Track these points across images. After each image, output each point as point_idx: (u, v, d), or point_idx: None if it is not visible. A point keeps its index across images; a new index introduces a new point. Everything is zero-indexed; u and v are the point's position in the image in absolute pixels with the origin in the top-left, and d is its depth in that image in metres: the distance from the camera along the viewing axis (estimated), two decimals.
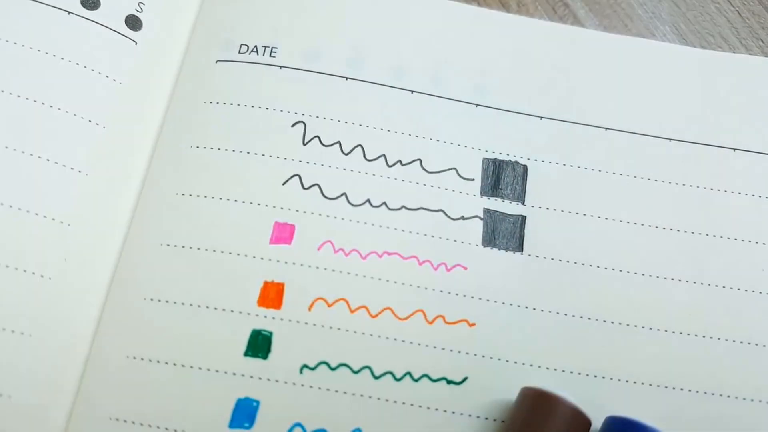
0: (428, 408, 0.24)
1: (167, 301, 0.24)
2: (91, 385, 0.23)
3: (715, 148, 0.29)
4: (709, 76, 0.30)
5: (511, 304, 0.26)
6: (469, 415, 0.24)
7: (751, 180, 0.28)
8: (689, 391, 0.25)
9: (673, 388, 0.25)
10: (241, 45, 0.29)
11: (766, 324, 0.26)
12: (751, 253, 0.27)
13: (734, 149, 0.29)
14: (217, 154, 0.27)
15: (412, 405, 0.24)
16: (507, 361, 0.25)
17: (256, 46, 0.28)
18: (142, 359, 0.23)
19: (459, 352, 0.25)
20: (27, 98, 0.26)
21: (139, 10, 0.28)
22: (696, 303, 0.26)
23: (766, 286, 0.27)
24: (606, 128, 0.29)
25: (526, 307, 0.26)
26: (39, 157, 0.25)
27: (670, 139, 0.29)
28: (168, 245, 0.25)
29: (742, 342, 0.26)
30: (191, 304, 0.24)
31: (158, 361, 0.24)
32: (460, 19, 0.30)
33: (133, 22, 0.28)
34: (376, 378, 0.24)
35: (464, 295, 0.26)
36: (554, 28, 0.30)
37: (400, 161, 0.27)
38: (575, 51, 0.30)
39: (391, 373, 0.24)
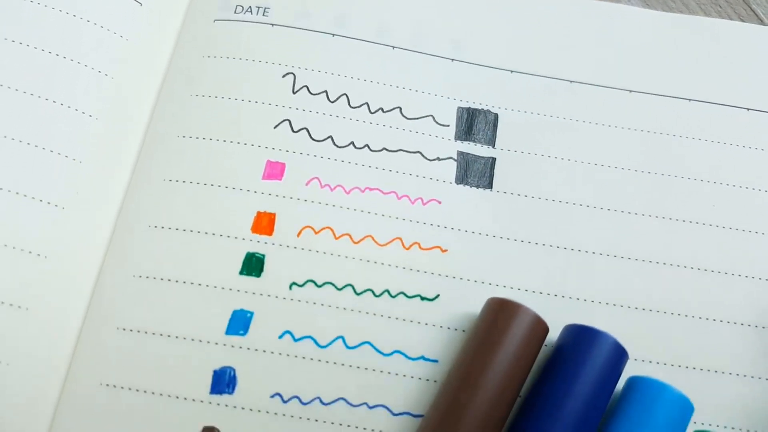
0: (404, 320, 0.27)
1: (170, 228, 0.27)
2: (101, 298, 0.26)
3: (672, 98, 0.32)
4: (668, 34, 0.33)
5: (480, 233, 0.28)
6: (441, 327, 0.27)
7: (704, 126, 0.31)
8: (642, 309, 0.27)
9: (629, 307, 0.28)
10: (237, 6, 0.32)
11: (713, 251, 0.29)
12: (701, 191, 0.30)
13: (689, 99, 0.32)
14: (214, 102, 0.30)
15: (389, 317, 0.26)
16: (475, 281, 0.27)
17: (250, 7, 0.31)
18: (149, 277, 0.26)
19: (432, 273, 0.27)
20: (24, 91, 0.28)
21: None
22: (650, 233, 0.29)
23: (715, 219, 0.29)
24: (571, 81, 0.32)
25: (494, 236, 0.28)
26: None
27: (630, 91, 0.32)
28: (170, 180, 0.28)
29: (692, 267, 0.28)
30: (191, 230, 0.27)
31: (162, 279, 0.26)
32: None
33: None
34: (358, 294, 0.27)
35: (438, 226, 0.28)
36: None
37: (381, 108, 0.30)
38: (544, 12, 0.33)
39: (371, 290, 0.27)
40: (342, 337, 0.26)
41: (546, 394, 0.24)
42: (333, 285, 0.27)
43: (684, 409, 0.24)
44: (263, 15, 0.31)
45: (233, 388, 0.25)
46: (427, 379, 0.25)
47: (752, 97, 0.32)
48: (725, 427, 0.26)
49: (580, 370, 0.24)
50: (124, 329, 0.25)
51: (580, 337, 0.25)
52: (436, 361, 0.26)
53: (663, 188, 0.30)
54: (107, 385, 0.24)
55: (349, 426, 0.25)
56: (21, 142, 0.27)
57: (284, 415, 0.25)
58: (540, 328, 0.25)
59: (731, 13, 0.34)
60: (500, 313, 0.25)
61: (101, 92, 0.29)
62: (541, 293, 0.27)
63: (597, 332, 0.24)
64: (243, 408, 0.24)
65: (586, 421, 0.24)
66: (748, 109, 0.32)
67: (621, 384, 0.25)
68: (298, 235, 0.27)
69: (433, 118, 0.30)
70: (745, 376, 0.27)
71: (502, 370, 0.24)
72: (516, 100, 0.31)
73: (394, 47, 0.31)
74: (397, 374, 0.26)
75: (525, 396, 0.25)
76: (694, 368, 0.27)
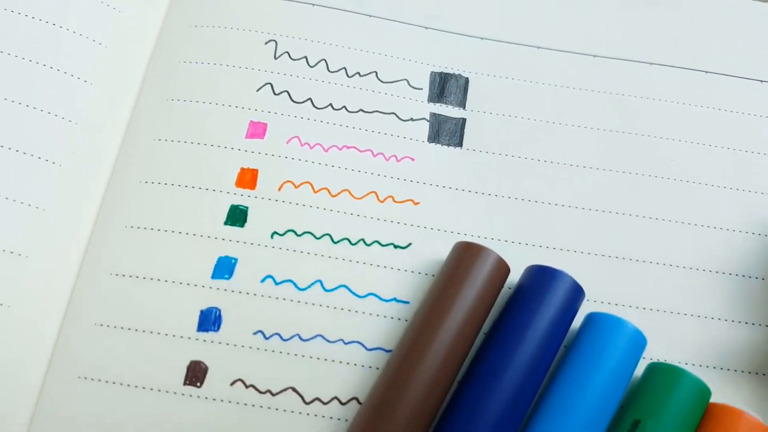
0: (378, 266, 0.29)
1: (159, 183, 0.29)
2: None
3: (633, 62, 0.34)
4: (631, 1, 0.35)
5: (450, 188, 0.30)
6: (412, 272, 0.29)
7: (663, 88, 0.33)
8: (601, 255, 0.30)
9: (588, 254, 0.30)
10: None
11: (669, 202, 0.31)
12: (660, 147, 0.32)
13: (650, 63, 0.34)
14: (201, 67, 0.32)
15: (364, 263, 0.29)
16: (445, 230, 0.29)
17: None
18: (141, 227, 0.28)
19: (405, 224, 0.30)
20: (5, 98, 0.29)
21: None
22: (610, 186, 0.31)
23: (672, 173, 0.31)
24: (538, 47, 0.34)
25: (463, 190, 0.30)
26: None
27: (594, 56, 0.34)
28: (161, 140, 0.30)
29: (649, 217, 0.30)
30: (180, 185, 0.29)
31: (153, 229, 0.28)
32: None
33: None
34: (335, 243, 0.29)
35: (411, 181, 0.30)
36: None
37: (358, 73, 0.32)
38: None
39: (347, 239, 0.29)
40: (320, 281, 0.28)
41: (506, 329, 0.26)
42: (312, 234, 0.29)
43: (637, 341, 0.26)
44: None
45: (218, 326, 0.27)
46: (399, 319, 0.28)
47: (709, 60, 0.34)
48: (678, 362, 0.28)
49: (539, 307, 0.26)
50: (117, 274, 0.27)
51: (540, 276, 0.27)
52: (407, 302, 0.28)
53: (623, 145, 0.32)
54: (101, 325, 0.26)
55: (326, 360, 0.27)
56: (2, 147, 0.28)
57: (266, 350, 0.27)
58: (502, 268, 0.27)
59: None
60: (465, 254, 0.27)
61: (81, 95, 0.30)
62: (506, 241, 0.29)
63: (555, 271, 0.26)
64: (227, 344, 0.26)
65: (544, 354, 0.26)
66: (706, 72, 0.34)
67: (579, 322, 0.27)
68: (279, 189, 0.29)
69: (408, 81, 0.32)
70: (697, 316, 0.29)
71: (465, 307, 0.26)
72: (486, 66, 0.33)
73: (370, 16, 0.33)
74: (371, 314, 0.28)
75: (487, 331, 0.27)
76: (649, 309, 0.29)
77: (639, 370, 0.26)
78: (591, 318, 0.26)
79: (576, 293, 0.26)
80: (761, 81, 0.33)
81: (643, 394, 0.25)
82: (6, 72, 0.29)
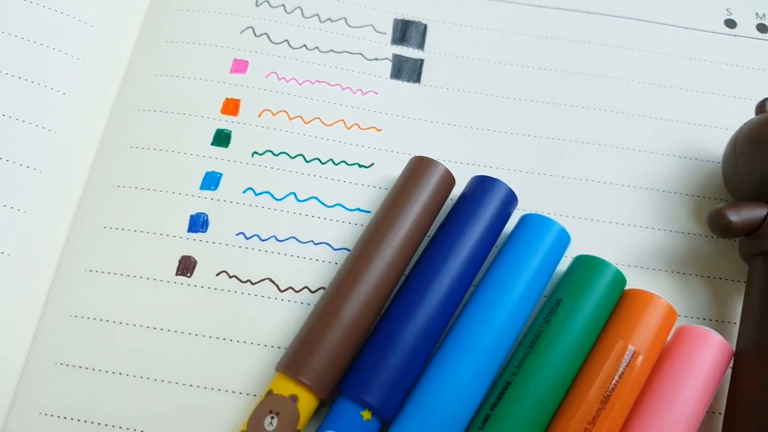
0: (344, 182, 0.33)
1: (155, 111, 0.34)
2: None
3: (573, 11, 0.38)
4: None
5: (408, 117, 0.35)
6: (374, 187, 0.33)
7: (598, 34, 0.38)
8: (542, 174, 0.34)
9: (528, 172, 0.34)
10: None
11: (602, 128, 0.35)
12: (594, 83, 0.36)
13: (588, 12, 0.38)
14: (190, 14, 0.36)
15: (332, 179, 0.33)
16: (403, 153, 0.34)
17: None
18: (139, 147, 0.33)
19: (369, 147, 0.34)
20: None
21: None
22: (548, 115, 0.35)
23: (605, 104, 0.36)
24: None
25: (420, 119, 0.35)
26: None
27: (540, 6, 0.38)
28: (155, 75, 0.34)
29: (583, 142, 0.35)
30: (174, 112, 0.33)
31: (149, 149, 0.33)
32: None
33: None
34: (307, 161, 0.33)
35: (374, 111, 0.35)
36: None
37: (329, 18, 0.37)
38: None
39: (318, 158, 0.33)
40: (294, 193, 0.32)
41: (446, 229, 0.30)
42: (287, 154, 0.33)
43: (562, 238, 0.30)
44: None
45: (206, 228, 0.31)
46: (361, 225, 0.32)
47: (640, 9, 0.38)
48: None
49: (476, 209, 0.30)
50: (120, 186, 0.32)
51: (479, 184, 0.31)
52: (368, 211, 0.32)
53: (562, 82, 0.36)
54: (105, 227, 0.31)
55: (299, 257, 0.31)
56: None
57: (246, 248, 0.31)
58: (448, 178, 0.31)
59: None
60: (416, 166, 0.31)
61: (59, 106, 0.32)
62: (458, 162, 0.34)
63: (492, 179, 0.31)
64: (213, 242, 0.31)
65: (479, 250, 0.30)
66: (636, 20, 0.38)
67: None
68: (259, 116, 0.34)
69: (373, 27, 0.37)
70: (621, 223, 0.33)
71: (412, 211, 0.29)
72: (443, 14, 0.38)
73: None
74: (338, 221, 0.32)
75: (432, 234, 0.31)
76: (578, 217, 0.33)
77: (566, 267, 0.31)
78: (522, 219, 0.31)
79: (509, 199, 0.31)
80: (685, 28, 0.38)
81: (566, 280, 0.30)
82: None
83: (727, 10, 0.39)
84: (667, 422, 0.27)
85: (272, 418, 0.26)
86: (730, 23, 0.39)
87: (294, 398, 0.26)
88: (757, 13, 0.39)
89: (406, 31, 0.37)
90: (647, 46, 0.37)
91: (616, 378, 0.27)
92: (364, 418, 0.26)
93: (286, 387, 0.26)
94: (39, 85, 0.32)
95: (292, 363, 0.26)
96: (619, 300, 0.29)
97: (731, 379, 0.28)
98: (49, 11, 0.33)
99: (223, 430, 0.27)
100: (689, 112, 0.36)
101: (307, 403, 0.26)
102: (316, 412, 0.27)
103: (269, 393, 0.26)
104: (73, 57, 0.33)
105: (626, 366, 0.27)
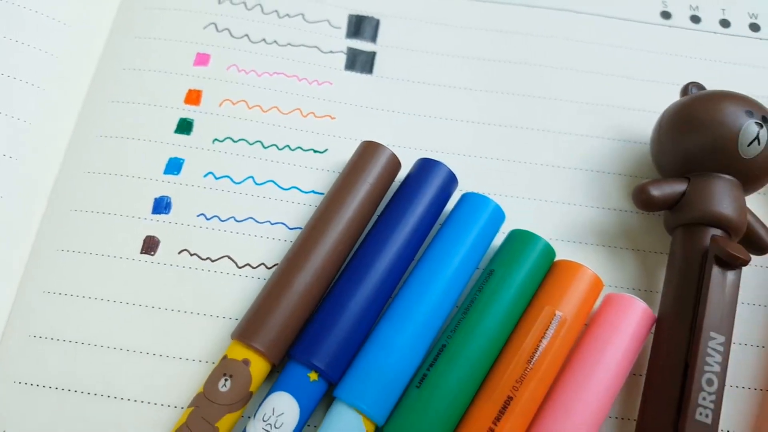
0: (300, 166, 0.35)
1: (120, 102, 0.36)
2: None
3: (516, 6, 0.41)
4: None
5: (361, 106, 0.37)
6: (328, 171, 0.35)
7: (541, 25, 0.40)
8: (484, 158, 0.36)
9: (471, 156, 0.37)
10: None
11: (537, 114, 0.38)
12: (531, 72, 0.39)
13: (530, 6, 0.41)
14: (156, 13, 0.38)
15: (289, 164, 0.35)
16: (355, 139, 0.36)
17: None
18: (107, 136, 0.35)
19: (323, 134, 0.36)
20: None
21: None
22: (489, 103, 0.38)
23: (540, 92, 0.38)
24: None
25: (371, 108, 0.37)
26: None
27: (483, 1, 0.41)
28: (125, 69, 0.37)
29: (520, 127, 0.37)
30: (139, 103, 0.36)
31: (116, 137, 0.35)
32: None
33: None
34: (265, 147, 0.36)
35: (329, 101, 0.37)
36: None
37: (287, 14, 0.39)
38: None
39: (275, 145, 0.36)
40: (252, 177, 0.35)
41: (390, 208, 0.32)
42: (246, 141, 0.36)
43: (497, 215, 0.33)
44: None
45: (169, 210, 0.34)
46: (316, 206, 0.34)
47: (580, 2, 0.41)
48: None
49: (419, 189, 0.32)
50: (89, 172, 0.34)
51: (422, 166, 0.33)
52: (323, 193, 0.35)
53: (503, 71, 0.39)
54: (75, 210, 0.33)
55: (256, 236, 0.33)
56: None
57: (207, 228, 0.33)
58: (393, 161, 0.34)
59: None
60: (364, 150, 0.33)
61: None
62: (406, 147, 0.36)
63: (433, 161, 0.33)
64: (176, 223, 0.33)
65: (420, 226, 0.32)
66: (577, 13, 0.41)
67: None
68: (220, 105, 0.36)
69: (329, 22, 0.39)
70: (556, 202, 0.36)
71: (360, 192, 0.32)
72: (394, 9, 0.40)
73: None
74: (293, 202, 0.34)
75: (379, 213, 0.34)
76: (518, 197, 0.36)
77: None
78: (461, 197, 0.33)
79: (450, 179, 0.33)
80: (624, 20, 0.41)
81: (499, 252, 0.32)
82: None
83: (662, 2, 0.42)
84: (593, 381, 0.29)
85: (226, 380, 0.28)
86: (666, 15, 0.42)
87: (246, 362, 0.28)
88: (690, 5, 0.42)
89: (360, 26, 0.39)
90: (587, 37, 0.40)
91: (544, 341, 0.29)
92: (311, 379, 0.28)
93: (240, 352, 0.29)
94: (14, 79, 0.34)
95: (245, 331, 0.29)
96: (549, 270, 0.32)
97: (653, 342, 0.31)
98: (25, 10, 0.35)
99: (183, 393, 0.29)
100: (623, 97, 0.38)
101: (259, 367, 0.29)
102: (270, 376, 0.29)
103: (224, 358, 0.29)
104: (47, 53, 0.35)
105: (553, 330, 0.30)
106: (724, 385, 0.28)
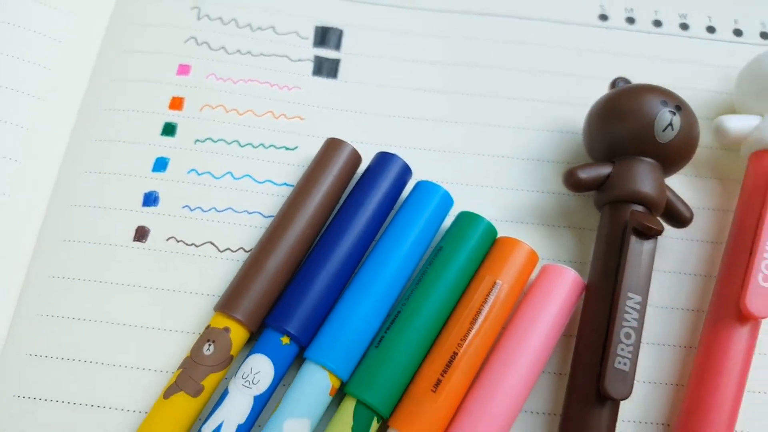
0: (273, 162, 0.40)
1: (112, 109, 0.41)
2: None
3: (468, 15, 0.46)
4: None
5: (327, 107, 0.42)
6: (298, 166, 0.40)
7: (490, 32, 0.45)
8: (430, 149, 0.41)
9: (425, 149, 0.41)
10: None
11: (482, 111, 0.42)
12: (484, 74, 0.44)
13: (481, 14, 0.46)
14: (138, 29, 0.43)
15: (263, 160, 0.40)
16: (323, 137, 0.41)
17: None
18: (99, 140, 0.40)
19: (294, 133, 0.41)
20: None
21: None
22: (442, 102, 0.43)
23: (486, 91, 0.43)
24: (393, 6, 0.45)
25: (337, 109, 0.42)
26: None
27: (437, 11, 0.46)
28: (115, 80, 0.41)
29: (466, 122, 0.42)
30: (128, 110, 0.40)
31: (106, 141, 0.40)
32: None
33: None
34: (242, 146, 0.40)
35: (299, 103, 0.42)
36: None
37: (260, 27, 0.44)
38: None
39: (251, 143, 0.40)
40: (230, 172, 0.39)
41: (350, 198, 0.37)
42: (224, 141, 0.40)
43: (446, 200, 0.38)
44: None
45: (157, 203, 0.38)
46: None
47: (525, 8, 0.46)
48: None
49: (375, 179, 0.37)
50: (87, 172, 0.39)
51: (379, 159, 0.38)
52: (293, 185, 0.39)
53: (457, 73, 0.43)
54: (74, 206, 0.38)
55: (235, 224, 0.38)
56: None
57: (191, 218, 0.38)
58: (354, 155, 0.38)
59: None
60: (328, 146, 0.38)
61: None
62: (366, 143, 0.41)
63: (389, 155, 0.38)
64: (163, 214, 0.38)
65: (376, 214, 0.36)
66: (520, 18, 0.46)
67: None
68: (201, 110, 0.41)
69: (297, 33, 0.44)
70: (500, 188, 0.40)
71: (323, 183, 0.36)
72: (356, 21, 0.45)
73: None
74: (268, 194, 0.39)
75: (342, 200, 0.38)
76: (468, 184, 0.40)
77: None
78: (415, 185, 0.38)
79: (404, 170, 0.38)
80: (564, 23, 0.45)
81: (448, 231, 0.37)
82: None
83: (600, 6, 0.47)
84: (529, 339, 0.34)
85: (209, 345, 0.33)
86: (603, 17, 0.46)
87: (227, 330, 0.33)
88: (626, 8, 0.47)
89: (325, 36, 0.44)
90: (530, 39, 0.45)
91: (485, 306, 0.34)
92: (284, 343, 0.33)
93: (221, 322, 0.33)
94: (18, 92, 0.39)
95: (226, 303, 0.33)
96: (492, 246, 0.36)
97: (582, 306, 0.36)
98: (22, 29, 0.40)
99: (173, 359, 0.34)
100: (562, 93, 0.43)
101: (238, 334, 0.33)
102: (249, 343, 0.34)
103: (208, 327, 0.33)
104: (45, 67, 0.40)
105: (494, 297, 0.34)
106: (640, 339, 0.33)
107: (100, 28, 0.42)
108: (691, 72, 0.44)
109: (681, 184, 0.40)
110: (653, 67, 0.44)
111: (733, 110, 0.42)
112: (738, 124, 0.39)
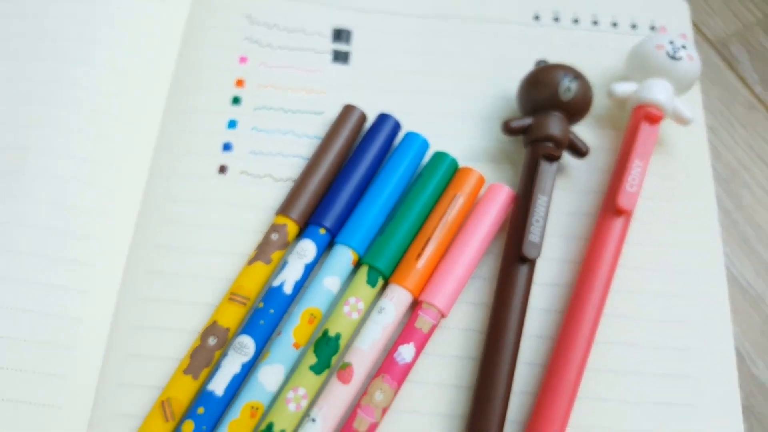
0: (306, 123, 0.60)
1: (199, 88, 0.60)
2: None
3: (441, 18, 0.65)
4: None
5: (342, 85, 0.61)
6: (324, 124, 0.59)
7: (456, 33, 0.64)
8: (421, 113, 0.61)
9: (415, 113, 0.61)
10: None
11: (456, 88, 0.62)
12: (453, 62, 0.63)
13: (444, 18, 0.65)
14: (213, 32, 0.62)
15: (299, 122, 0.60)
16: (339, 105, 0.60)
17: None
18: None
19: (319, 102, 0.59)
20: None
21: None
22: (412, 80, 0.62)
23: (459, 72, 0.63)
24: (393, 13, 0.65)
25: (349, 86, 0.61)
26: None
27: (418, 17, 0.65)
28: (200, 67, 0.61)
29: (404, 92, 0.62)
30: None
31: (196, 110, 0.60)
32: None
33: None
34: (285, 112, 0.60)
35: (322, 82, 0.61)
36: None
37: (294, 30, 0.63)
38: None
39: (291, 110, 0.60)
40: (279, 129, 0.59)
41: (360, 145, 0.56)
42: (273, 108, 0.60)
43: (424, 145, 0.57)
44: None
45: (231, 150, 0.57)
46: (315, 146, 0.59)
47: (494, 12, 0.65)
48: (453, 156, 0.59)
49: (375, 133, 0.56)
50: (182, 132, 0.58)
51: (379, 118, 0.57)
52: (320, 138, 0.59)
53: (441, 60, 0.63)
54: (177, 154, 0.57)
55: (283, 164, 0.58)
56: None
57: (255, 159, 0.58)
58: (361, 116, 0.57)
59: None
60: (344, 111, 0.57)
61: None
62: (372, 108, 0.61)
63: (386, 115, 0.57)
64: (236, 157, 0.57)
65: (372, 163, 0.55)
66: (482, 22, 0.65)
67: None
68: (257, 88, 0.60)
69: (319, 33, 0.62)
70: (467, 138, 0.60)
71: (342, 134, 0.56)
72: (361, 24, 0.64)
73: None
74: (304, 143, 0.58)
75: (355, 148, 0.58)
76: (443, 135, 0.59)
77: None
78: (405, 135, 0.56)
79: (396, 125, 0.57)
80: (509, 23, 0.65)
81: (427, 164, 0.56)
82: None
83: (534, 9, 0.66)
84: (479, 227, 0.53)
85: (275, 234, 0.52)
86: (537, 17, 0.66)
87: (285, 225, 0.53)
88: (553, 10, 0.66)
89: (340, 35, 0.63)
90: (488, 36, 0.64)
91: (450, 210, 0.54)
92: (321, 233, 0.53)
93: (282, 220, 0.53)
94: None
95: (284, 208, 0.52)
96: (455, 173, 0.56)
97: (513, 209, 0.55)
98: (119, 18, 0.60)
99: (252, 244, 0.54)
100: (505, 71, 0.62)
101: (292, 228, 0.53)
102: (299, 235, 0.54)
103: (273, 224, 0.53)
104: (152, 60, 0.59)
105: (456, 203, 0.54)
106: (545, 224, 0.52)
107: (178, 33, 0.61)
108: (599, 55, 0.64)
109: (586, 131, 0.59)
110: (570, 53, 0.63)
111: (624, 79, 0.61)
112: (623, 87, 0.58)
